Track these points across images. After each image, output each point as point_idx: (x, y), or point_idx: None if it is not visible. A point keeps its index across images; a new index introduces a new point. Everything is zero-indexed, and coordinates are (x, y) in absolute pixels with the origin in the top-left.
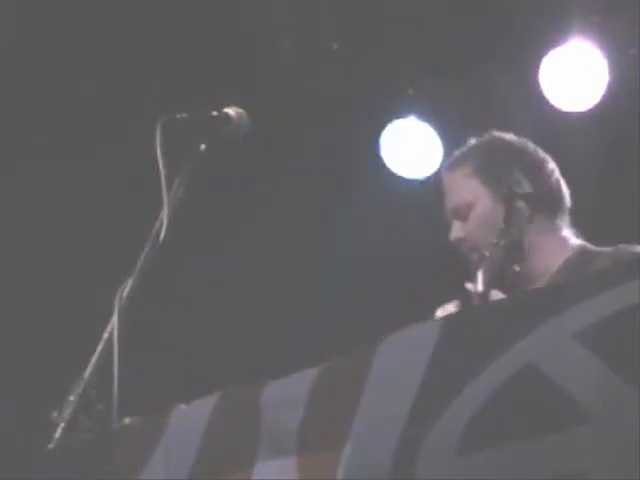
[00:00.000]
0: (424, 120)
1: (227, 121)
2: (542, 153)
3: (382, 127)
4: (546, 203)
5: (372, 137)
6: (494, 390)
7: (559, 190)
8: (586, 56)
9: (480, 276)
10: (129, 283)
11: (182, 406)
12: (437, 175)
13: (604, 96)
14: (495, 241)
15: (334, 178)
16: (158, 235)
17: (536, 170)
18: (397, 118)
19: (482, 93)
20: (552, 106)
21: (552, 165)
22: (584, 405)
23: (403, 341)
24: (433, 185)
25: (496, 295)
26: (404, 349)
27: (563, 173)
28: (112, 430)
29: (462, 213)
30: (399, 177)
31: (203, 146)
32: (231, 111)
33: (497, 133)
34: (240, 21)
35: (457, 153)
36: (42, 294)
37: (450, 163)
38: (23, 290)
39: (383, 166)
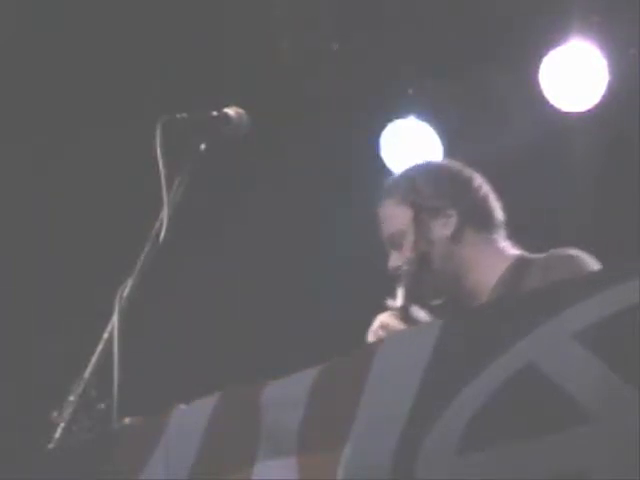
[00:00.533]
0: (424, 120)
1: (227, 121)
2: (468, 171)
3: (382, 127)
4: (476, 219)
5: (372, 137)
6: (494, 390)
7: (488, 205)
8: (586, 56)
9: (399, 291)
10: (129, 283)
11: (182, 406)
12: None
13: (604, 96)
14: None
15: (334, 178)
16: (158, 235)
17: (462, 188)
18: (397, 118)
19: (482, 93)
20: (552, 106)
21: (479, 181)
22: (584, 405)
23: (403, 341)
24: None
25: (417, 311)
26: (404, 349)
27: (563, 173)
28: (112, 430)
29: (396, 242)
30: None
31: (203, 146)
32: (231, 111)
33: (424, 160)
34: (240, 21)
35: (387, 183)
36: (42, 294)
37: (382, 194)
38: (23, 290)
39: (383, 166)
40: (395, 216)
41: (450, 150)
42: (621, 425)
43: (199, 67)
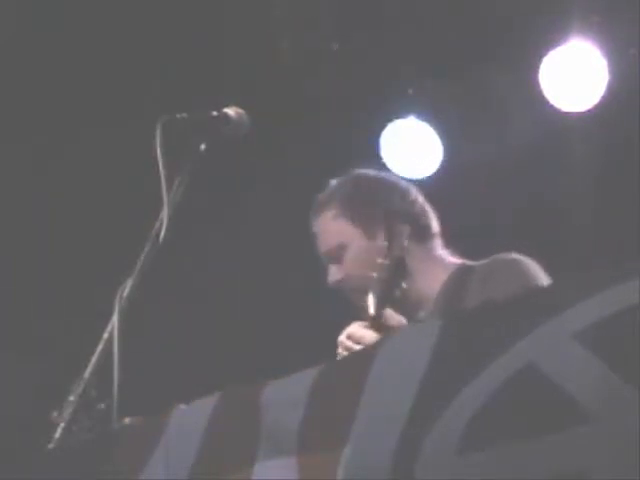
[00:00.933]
0: (424, 120)
1: (227, 121)
2: (404, 182)
3: (382, 127)
4: (416, 229)
5: (372, 137)
6: (494, 390)
7: (426, 215)
8: (586, 56)
9: (371, 299)
10: (129, 283)
11: (182, 406)
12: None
13: (604, 96)
14: (380, 261)
15: (334, 178)
16: (158, 235)
17: (400, 200)
18: (397, 118)
19: (482, 93)
20: (552, 106)
21: (414, 192)
22: (584, 405)
23: (403, 341)
24: (433, 185)
25: (391, 316)
26: (404, 349)
27: (563, 173)
28: (112, 430)
29: (336, 255)
30: (399, 177)
31: (203, 146)
32: (231, 111)
33: (356, 171)
34: (240, 21)
35: (320, 196)
36: (42, 294)
37: (315, 208)
38: (23, 290)
39: (383, 166)
40: (333, 230)
41: (450, 150)
42: (621, 425)
43: (199, 67)
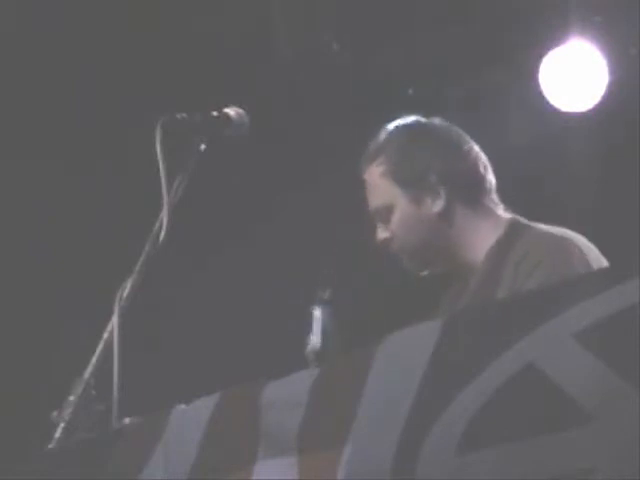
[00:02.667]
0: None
1: (227, 121)
2: (456, 133)
3: (382, 127)
4: (465, 191)
5: (372, 137)
6: (494, 390)
7: (478, 172)
8: (586, 56)
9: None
10: (129, 283)
11: (182, 406)
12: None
13: (604, 96)
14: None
15: (334, 178)
16: (158, 235)
17: (452, 157)
18: (397, 118)
19: (482, 93)
20: (552, 106)
21: (468, 144)
22: (584, 405)
23: (403, 341)
24: None
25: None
26: (404, 349)
27: (563, 173)
28: (112, 430)
29: (383, 216)
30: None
31: (203, 146)
32: (231, 111)
33: (410, 121)
34: (240, 21)
35: (372, 144)
36: (42, 294)
37: (365, 156)
38: (23, 290)
39: None
40: (380, 188)
41: None
42: (621, 425)
43: (199, 67)
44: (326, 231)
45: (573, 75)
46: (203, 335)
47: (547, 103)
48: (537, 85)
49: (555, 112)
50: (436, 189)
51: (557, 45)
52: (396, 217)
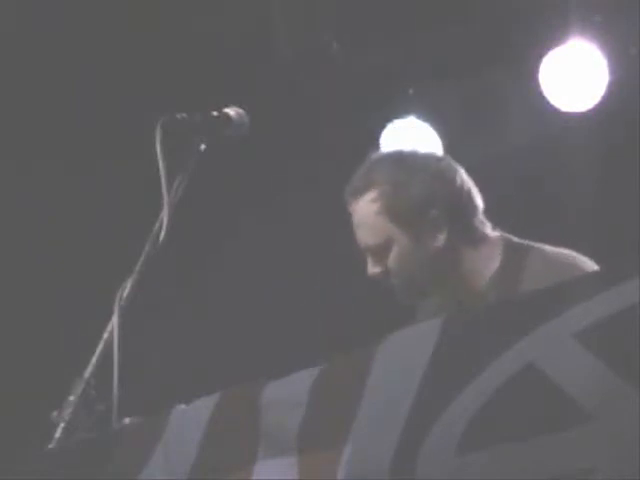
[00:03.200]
0: (424, 120)
1: (227, 121)
2: (444, 163)
3: (382, 127)
4: (464, 221)
5: (372, 137)
6: (494, 390)
7: (473, 201)
8: (586, 56)
9: None
10: (129, 283)
11: (182, 406)
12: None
13: (604, 96)
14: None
15: (334, 178)
16: (158, 235)
17: (448, 190)
18: (397, 118)
19: (482, 93)
20: (552, 106)
21: (460, 175)
22: (584, 405)
23: (403, 341)
24: None
25: None
26: (404, 349)
27: (563, 173)
28: (112, 430)
29: (378, 253)
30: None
31: (203, 146)
32: (231, 111)
33: (395, 149)
34: (240, 21)
35: (359, 177)
36: (42, 294)
37: (353, 189)
38: (23, 290)
39: None
40: (377, 226)
41: (450, 150)
42: (621, 425)
43: (199, 67)
44: (326, 231)
45: (573, 75)
46: (203, 335)
47: (547, 103)
48: (537, 85)
49: (555, 112)
50: (436, 224)
51: (557, 45)
52: (394, 254)
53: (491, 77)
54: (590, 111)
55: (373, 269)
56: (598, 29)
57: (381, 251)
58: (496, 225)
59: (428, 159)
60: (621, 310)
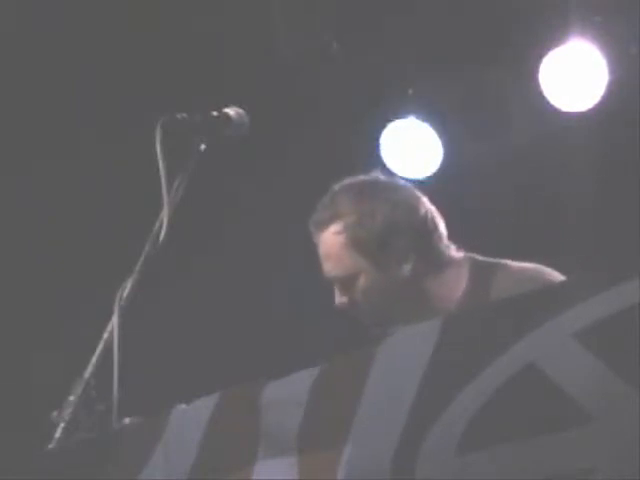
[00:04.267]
0: (424, 120)
1: (227, 121)
2: (406, 190)
3: (382, 127)
4: (430, 248)
5: (372, 137)
6: (494, 390)
7: (434, 223)
8: (586, 56)
9: None
10: (129, 283)
11: (182, 406)
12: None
13: (604, 96)
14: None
15: (334, 178)
16: (158, 235)
17: (409, 216)
18: (397, 118)
19: (482, 93)
20: (552, 106)
21: (419, 200)
22: (584, 405)
23: (403, 341)
24: (433, 185)
25: None
26: (404, 349)
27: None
28: (112, 430)
29: (345, 284)
30: (399, 177)
31: (203, 146)
32: (231, 111)
33: (355, 181)
34: (240, 21)
35: (323, 208)
36: (42, 294)
37: (317, 220)
38: (23, 290)
39: (383, 166)
40: (343, 260)
41: (450, 150)
42: (621, 425)
43: (199, 67)
44: None
45: (573, 75)
46: (203, 335)
47: (547, 103)
48: (537, 85)
49: (555, 112)
50: (402, 253)
51: (557, 45)
52: (361, 285)
53: (491, 77)
54: (590, 111)
55: (340, 299)
56: (598, 29)
57: (348, 282)
58: (496, 225)
59: (391, 188)
60: (621, 310)
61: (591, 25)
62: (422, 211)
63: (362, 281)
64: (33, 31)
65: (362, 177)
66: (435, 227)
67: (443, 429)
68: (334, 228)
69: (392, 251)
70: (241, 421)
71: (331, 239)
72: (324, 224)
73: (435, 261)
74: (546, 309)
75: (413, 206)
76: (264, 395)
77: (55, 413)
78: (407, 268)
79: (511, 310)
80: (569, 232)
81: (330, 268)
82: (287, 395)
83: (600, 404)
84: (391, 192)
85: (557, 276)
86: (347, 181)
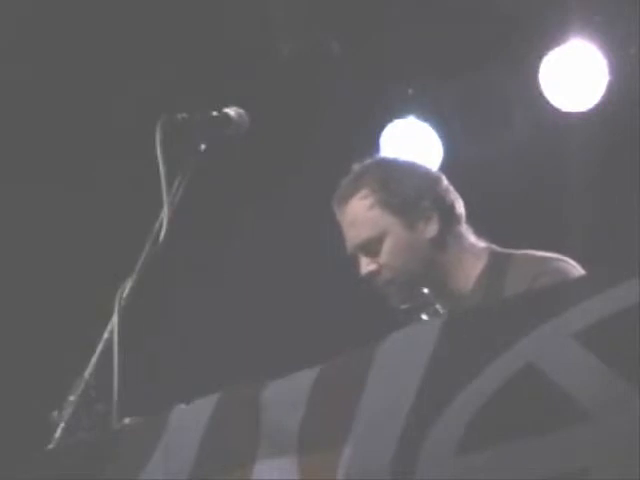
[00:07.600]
0: (424, 120)
1: (227, 121)
2: (426, 167)
3: (382, 127)
4: (451, 218)
5: (372, 137)
6: (494, 390)
7: (457, 201)
8: (586, 56)
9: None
10: (129, 283)
11: (182, 406)
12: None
13: (604, 96)
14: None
15: (334, 178)
16: (158, 235)
17: (436, 187)
18: (397, 118)
19: (482, 93)
20: (552, 106)
21: (440, 179)
22: (584, 405)
23: (403, 341)
24: None
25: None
26: (404, 349)
27: (563, 173)
28: (112, 430)
29: (371, 249)
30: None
31: (203, 146)
32: (231, 111)
33: (379, 157)
34: (240, 21)
35: (347, 183)
36: (42, 294)
37: (341, 195)
38: (23, 290)
39: None
40: (369, 220)
41: (450, 150)
42: (621, 425)
43: (199, 67)
44: (327, 231)
45: (573, 75)
46: (203, 335)
47: (547, 103)
48: (537, 85)
49: (555, 112)
50: (429, 214)
51: (557, 45)
52: (388, 246)
53: (491, 77)
54: (590, 111)
55: (367, 267)
56: (598, 29)
57: (374, 246)
58: (496, 225)
59: (413, 163)
60: (621, 310)
61: (591, 25)
62: (444, 183)
63: (389, 242)
64: (33, 31)
65: (384, 156)
66: (456, 199)
67: (443, 429)
68: (360, 194)
69: (418, 210)
70: (241, 421)
71: (357, 204)
72: (349, 195)
73: (457, 235)
74: (546, 309)
75: (436, 177)
76: (264, 395)
77: (55, 413)
78: (433, 229)
79: (511, 310)
80: (569, 232)
81: (356, 234)
82: (287, 395)
83: (600, 404)
84: (414, 165)
85: (575, 268)
86: (368, 160)
